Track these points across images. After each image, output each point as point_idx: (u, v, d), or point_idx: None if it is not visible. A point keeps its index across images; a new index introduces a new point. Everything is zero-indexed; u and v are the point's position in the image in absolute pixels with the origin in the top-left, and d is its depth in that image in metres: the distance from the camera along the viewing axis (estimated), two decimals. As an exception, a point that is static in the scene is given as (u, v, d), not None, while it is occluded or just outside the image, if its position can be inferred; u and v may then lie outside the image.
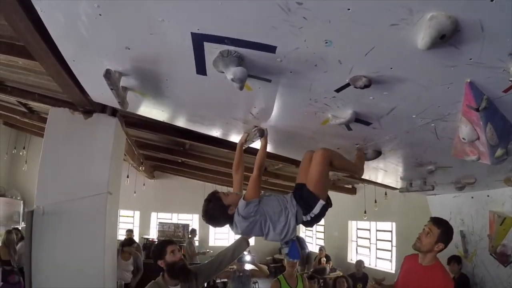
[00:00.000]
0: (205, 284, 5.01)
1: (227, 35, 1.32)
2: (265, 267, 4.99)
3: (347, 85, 1.58)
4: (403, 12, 1.06)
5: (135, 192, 8.91)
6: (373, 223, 8.19)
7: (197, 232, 8.75)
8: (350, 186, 8.45)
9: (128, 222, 10.35)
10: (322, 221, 9.98)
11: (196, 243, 8.53)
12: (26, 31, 1.74)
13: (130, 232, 7.89)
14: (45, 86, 3.18)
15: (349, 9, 1.07)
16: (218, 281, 6.70)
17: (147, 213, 10.88)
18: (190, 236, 8.46)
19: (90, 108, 3.08)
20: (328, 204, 1.99)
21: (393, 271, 6.91)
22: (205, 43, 1.40)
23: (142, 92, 2.16)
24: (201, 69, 1.62)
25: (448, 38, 1.11)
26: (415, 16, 1.06)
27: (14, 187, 8.68)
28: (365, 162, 2.68)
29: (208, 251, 8.52)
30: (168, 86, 1.96)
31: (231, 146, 3.83)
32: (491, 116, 1.57)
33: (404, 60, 1.33)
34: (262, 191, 2.02)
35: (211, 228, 9.50)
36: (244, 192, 2.08)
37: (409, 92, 1.60)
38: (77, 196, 2.93)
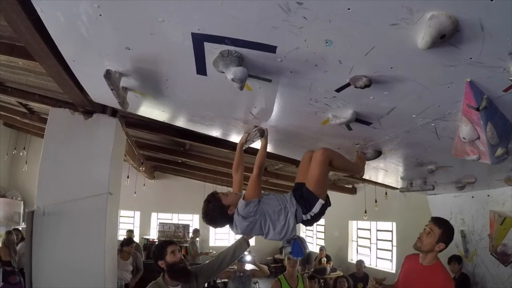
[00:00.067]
0: (206, 284, 5.01)
1: (227, 35, 1.32)
2: (265, 267, 4.99)
3: (348, 85, 1.58)
4: (403, 12, 1.06)
5: (135, 193, 8.91)
6: (373, 223, 8.19)
7: (199, 233, 8.68)
8: (350, 186, 8.45)
9: (128, 222, 10.35)
10: (322, 221, 10.07)
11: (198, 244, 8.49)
12: (27, 31, 1.74)
13: (130, 232, 7.91)
14: (45, 86, 3.19)
15: (349, 9, 1.07)
16: (218, 281, 6.71)
17: (148, 213, 10.88)
18: (193, 236, 8.43)
19: (90, 108, 3.08)
20: (327, 203, 1.99)
21: (393, 271, 6.91)
22: (205, 43, 1.40)
23: (142, 93, 2.16)
24: (201, 69, 1.62)
25: (448, 37, 1.11)
26: (415, 15, 1.06)
27: (14, 188, 8.68)
28: (366, 162, 2.68)
29: (210, 251, 8.52)
30: (168, 86, 1.96)
31: (231, 146, 3.84)
32: (491, 116, 1.57)
33: (404, 59, 1.33)
34: (262, 191, 2.02)
35: (211, 228, 9.47)
36: (243, 192, 2.08)
37: (409, 91, 1.60)
38: (78, 196, 2.94)
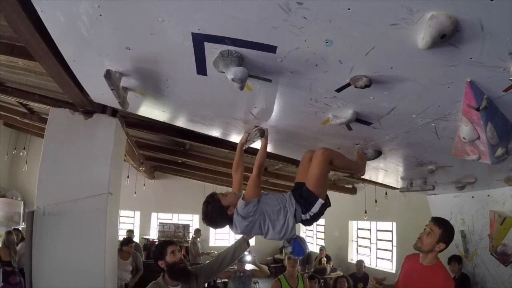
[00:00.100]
0: (206, 284, 5.01)
1: (227, 35, 1.32)
2: (265, 267, 4.99)
3: (348, 85, 1.58)
4: (403, 12, 1.06)
5: (135, 193, 8.91)
6: (373, 223, 8.20)
7: (201, 233, 8.65)
8: (350, 186, 8.46)
9: (128, 222, 10.35)
10: (322, 221, 10.07)
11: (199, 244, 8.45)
12: (27, 31, 1.74)
13: (130, 232, 7.90)
14: (45, 86, 3.19)
15: (349, 9, 1.08)
16: (218, 281, 6.71)
17: (148, 213, 10.88)
18: (194, 236, 8.40)
19: (90, 108, 3.09)
20: (327, 203, 1.99)
21: (393, 271, 6.92)
22: (205, 43, 1.40)
23: (143, 93, 2.16)
24: (201, 69, 1.62)
25: (448, 37, 1.11)
26: (415, 15, 1.06)
27: (14, 188, 8.68)
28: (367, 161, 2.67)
29: (212, 252, 8.51)
30: (168, 86, 1.96)
31: (231, 146, 3.84)
32: (491, 116, 1.57)
33: (405, 59, 1.33)
34: (262, 191, 2.02)
35: (211, 228, 9.44)
36: (243, 192, 2.08)
37: (410, 91, 1.60)
38: (78, 196, 2.94)
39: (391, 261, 7.45)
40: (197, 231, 8.46)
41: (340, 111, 1.94)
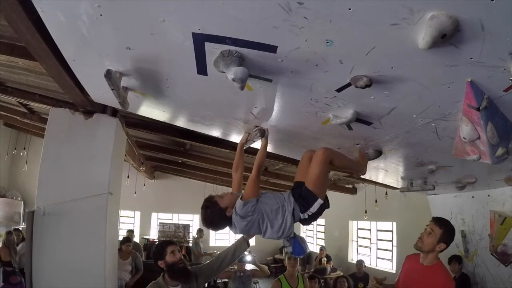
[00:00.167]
0: (206, 284, 5.01)
1: (228, 35, 1.32)
2: (265, 267, 4.99)
3: (348, 84, 1.58)
4: (404, 12, 1.06)
5: (135, 193, 8.91)
6: (373, 223, 8.20)
7: (203, 233, 8.54)
8: (350, 186, 8.46)
9: (128, 222, 10.35)
10: (322, 221, 10.06)
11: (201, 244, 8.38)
12: (27, 31, 1.74)
13: (130, 232, 7.90)
14: (45, 86, 3.19)
15: (350, 9, 1.08)
16: (219, 281, 6.71)
17: (148, 213, 10.88)
18: (196, 236, 8.32)
19: (90, 108, 3.09)
20: (326, 204, 1.99)
21: (393, 271, 6.92)
22: (206, 43, 1.40)
23: (143, 92, 2.16)
24: (202, 69, 1.62)
25: (448, 37, 1.11)
26: (415, 15, 1.06)
27: (14, 188, 8.68)
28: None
29: (214, 252, 8.48)
30: (168, 86, 1.96)
31: (232, 146, 3.84)
32: (491, 115, 1.57)
33: (405, 59, 1.33)
34: (260, 190, 2.02)
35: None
36: (243, 191, 2.09)
37: (410, 91, 1.60)
38: (78, 196, 2.94)
39: (391, 261, 7.46)
40: (200, 231, 8.35)
41: (340, 111, 1.94)
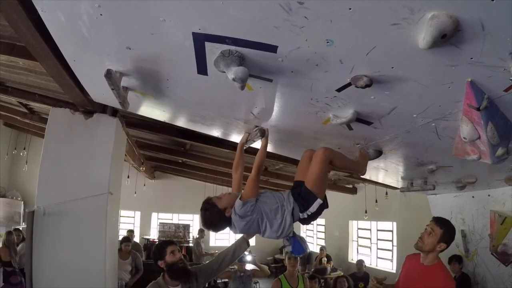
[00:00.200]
0: (206, 284, 5.01)
1: (228, 34, 1.32)
2: (266, 267, 4.99)
3: (348, 84, 1.58)
4: (404, 12, 1.06)
5: (135, 193, 8.91)
6: (373, 222, 8.20)
7: (205, 233, 8.42)
8: (350, 186, 8.46)
9: (129, 222, 10.35)
10: (322, 221, 10.04)
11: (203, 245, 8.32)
12: (27, 31, 1.74)
13: (131, 232, 7.90)
14: (45, 86, 3.19)
15: (350, 9, 1.07)
16: (219, 281, 6.71)
17: (148, 213, 10.88)
18: (198, 236, 8.26)
19: (90, 108, 3.09)
20: (325, 204, 1.99)
21: (394, 271, 6.92)
22: (206, 43, 1.40)
23: (143, 92, 2.16)
24: (202, 69, 1.62)
25: (449, 37, 1.11)
26: (416, 15, 1.06)
27: (14, 188, 8.68)
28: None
29: (215, 252, 8.43)
30: (169, 86, 1.96)
31: (232, 146, 3.84)
32: (492, 115, 1.57)
33: (405, 59, 1.33)
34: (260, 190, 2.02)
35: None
36: (242, 191, 2.09)
37: (410, 91, 1.60)
38: (78, 196, 2.94)
39: (392, 261, 7.46)
40: (201, 231, 8.26)
41: (340, 110, 1.94)
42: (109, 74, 1.72)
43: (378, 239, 8.14)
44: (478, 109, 1.50)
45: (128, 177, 7.10)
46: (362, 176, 3.73)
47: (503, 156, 1.73)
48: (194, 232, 10.33)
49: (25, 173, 8.03)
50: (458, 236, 4.75)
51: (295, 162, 4.33)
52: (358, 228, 8.91)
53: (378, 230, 8.17)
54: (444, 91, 1.54)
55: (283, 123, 2.35)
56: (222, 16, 1.21)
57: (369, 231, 8.42)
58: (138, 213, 10.72)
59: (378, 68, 1.42)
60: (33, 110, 5.00)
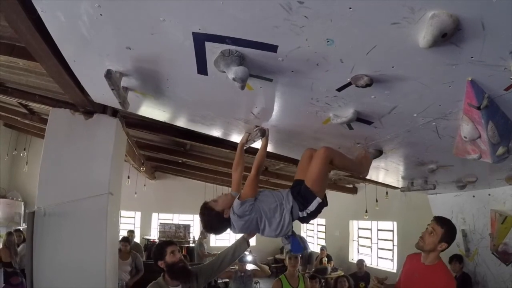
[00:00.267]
0: (207, 284, 5.01)
1: (228, 34, 1.32)
2: (266, 267, 4.99)
3: (349, 84, 1.58)
4: (404, 11, 1.05)
5: (136, 193, 8.91)
6: (374, 222, 8.19)
7: (206, 234, 8.43)
8: (351, 186, 8.45)
9: (129, 223, 10.35)
10: (323, 221, 10.03)
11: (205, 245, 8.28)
12: (27, 31, 1.74)
13: (131, 232, 7.89)
14: (45, 87, 3.18)
15: (350, 8, 1.07)
16: (219, 281, 6.70)
17: (148, 213, 10.88)
18: (200, 237, 8.21)
19: (90, 108, 3.09)
20: (324, 202, 2.00)
21: (394, 271, 6.91)
22: (206, 43, 1.40)
23: (143, 92, 2.16)
24: (202, 68, 1.62)
25: (449, 36, 1.11)
26: (416, 14, 1.06)
27: (15, 188, 8.68)
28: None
29: (218, 253, 8.37)
30: (169, 86, 1.96)
31: (232, 146, 3.84)
32: (492, 114, 1.57)
33: (406, 58, 1.33)
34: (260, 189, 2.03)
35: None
36: (238, 191, 2.09)
37: (411, 90, 1.60)
38: (78, 197, 2.94)
39: (392, 260, 7.45)
40: (203, 232, 8.15)
41: (341, 110, 1.94)
42: (109, 74, 1.72)
43: (378, 239, 8.13)
44: (478, 108, 1.50)
45: (129, 177, 7.10)
46: (361, 177, 3.73)
47: (503, 155, 1.73)
48: (194, 232, 10.34)
49: (26, 173, 8.04)
50: (458, 236, 4.73)
51: (295, 162, 4.33)
52: (359, 228, 8.90)
53: (378, 230, 8.16)
54: (445, 90, 1.54)
55: (283, 123, 2.35)
56: (222, 15, 1.21)
57: (370, 230, 8.42)
58: (138, 214, 10.72)
59: (378, 68, 1.42)
60: (33, 110, 5.00)
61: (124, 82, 1.92)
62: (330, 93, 1.73)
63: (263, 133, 2.31)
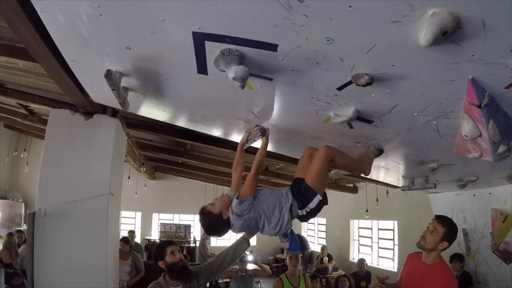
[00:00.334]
0: (207, 284, 5.00)
1: (228, 33, 1.32)
2: (267, 267, 4.99)
3: (349, 83, 1.57)
4: (404, 9, 1.05)
5: (136, 193, 8.91)
6: (374, 221, 8.19)
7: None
8: (351, 185, 8.45)
9: (129, 223, 10.35)
10: (323, 221, 10.01)
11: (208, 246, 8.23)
12: (27, 32, 1.74)
13: (132, 233, 7.89)
14: (45, 87, 3.18)
15: (350, 7, 1.07)
16: (220, 281, 6.70)
17: (149, 214, 10.89)
18: (203, 237, 8.17)
19: (90, 109, 3.08)
20: (324, 201, 2.00)
21: (395, 270, 6.91)
22: (206, 42, 1.39)
23: (143, 92, 2.16)
24: (202, 68, 1.61)
25: (450, 34, 1.11)
26: (416, 12, 1.06)
27: (15, 189, 8.69)
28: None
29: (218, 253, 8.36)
30: (169, 86, 1.96)
31: (232, 146, 3.84)
32: (493, 113, 1.57)
33: (406, 57, 1.33)
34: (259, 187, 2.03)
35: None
36: (237, 191, 2.09)
37: (411, 89, 1.59)
38: (79, 197, 2.93)
39: (393, 260, 7.45)
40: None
41: (341, 109, 1.94)
42: (109, 75, 1.71)
43: (379, 238, 8.13)
44: (479, 106, 1.49)
45: (129, 177, 7.10)
46: (363, 175, 3.72)
47: (504, 153, 1.73)
48: (195, 233, 10.33)
49: (26, 174, 8.05)
50: (459, 235, 4.70)
51: (295, 161, 4.31)
52: (359, 227, 8.90)
53: (379, 229, 8.16)
54: (445, 89, 1.54)
55: (283, 122, 2.34)
56: (222, 15, 1.21)
57: (370, 230, 8.41)
58: (139, 214, 10.73)
59: (378, 66, 1.42)
60: (33, 111, 5.00)
61: (124, 82, 1.92)
62: (330, 92, 1.73)
63: (263, 133, 2.31)
